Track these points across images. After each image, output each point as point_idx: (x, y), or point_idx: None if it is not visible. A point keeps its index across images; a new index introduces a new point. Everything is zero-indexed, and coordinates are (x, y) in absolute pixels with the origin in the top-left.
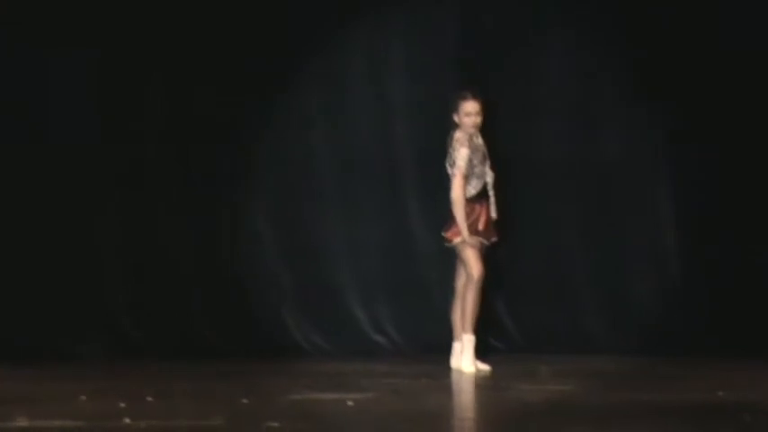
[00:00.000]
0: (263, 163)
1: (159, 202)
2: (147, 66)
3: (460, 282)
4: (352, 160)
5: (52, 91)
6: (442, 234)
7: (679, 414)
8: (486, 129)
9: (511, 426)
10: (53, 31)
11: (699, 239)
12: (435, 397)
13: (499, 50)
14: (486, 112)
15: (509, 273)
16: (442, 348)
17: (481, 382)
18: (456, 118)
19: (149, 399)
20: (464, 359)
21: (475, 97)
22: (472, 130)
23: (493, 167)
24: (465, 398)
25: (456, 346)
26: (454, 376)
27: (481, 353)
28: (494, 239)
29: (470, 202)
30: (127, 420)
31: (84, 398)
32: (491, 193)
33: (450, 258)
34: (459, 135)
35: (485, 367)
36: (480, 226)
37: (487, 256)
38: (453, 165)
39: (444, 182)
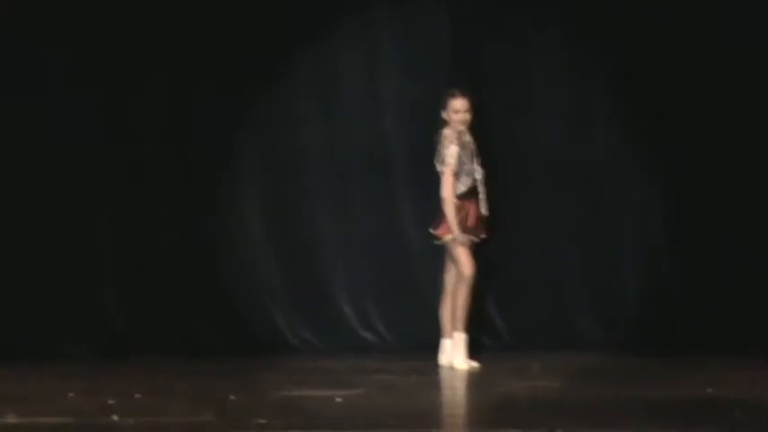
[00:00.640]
0: (254, 161)
1: (153, 201)
2: (147, 66)
3: (450, 279)
4: (344, 159)
5: (52, 91)
6: (431, 231)
7: (668, 411)
8: (477, 127)
9: (500, 422)
10: (53, 31)
11: (689, 237)
12: (424, 393)
13: (493, 49)
14: (476, 109)
15: (498, 270)
16: (431, 345)
17: (471, 379)
18: (445, 115)
19: (138, 396)
20: (456, 356)
21: (464, 95)
22: (461, 128)
23: (482, 164)
24: (454, 394)
25: (445, 342)
26: (443, 373)
27: (471, 350)
28: (483, 236)
29: (460, 199)
30: (115, 417)
31: (72, 395)
32: (481, 189)
33: (439, 255)
34: (447, 132)
35: (474, 364)
36: (470, 223)
37: (476, 252)
38: (442, 162)
39: (434, 180)
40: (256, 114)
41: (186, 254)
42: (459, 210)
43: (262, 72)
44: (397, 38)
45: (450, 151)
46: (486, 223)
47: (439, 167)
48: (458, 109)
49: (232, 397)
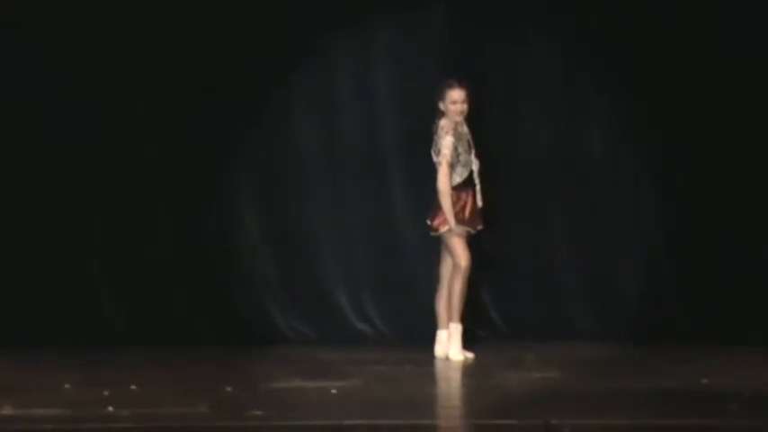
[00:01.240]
0: (248, 154)
1: (153, 201)
2: (147, 66)
3: (445, 270)
4: (339, 153)
5: (52, 91)
6: (428, 223)
7: (663, 402)
8: (471, 120)
9: (496, 413)
10: (53, 31)
11: (689, 236)
12: (420, 384)
13: (491, 49)
14: (473, 106)
15: (494, 262)
16: (427, 336)
17: (466, 370)
18: (442, 106)
19: (133, 387)
20: (452, 347)
21: (461, 85)
22: (458, 118)
23: (478, 156)
24: (450, 385)
25: (441, 334)
26: (439, 364)
27: (466, 341)
28: (479, 227)
29: (456, 190)
30: (110, 408)
31: (68, 386)
32: (477, 181)
33: (434, 247)
34: (444, 123)
35: (470, 355)
36: (466, 214)
37: (472, 244)
38: (439, 153)
39: (429, 172)
40: (254, 113)
41: (183, 247)
42: (455, 201)
43: (261, 72)
44: (393, 35)
45: (446, 142)
46: (481, 215)
47: (435, 158)
48: (455, 99)
49: (228, 388)
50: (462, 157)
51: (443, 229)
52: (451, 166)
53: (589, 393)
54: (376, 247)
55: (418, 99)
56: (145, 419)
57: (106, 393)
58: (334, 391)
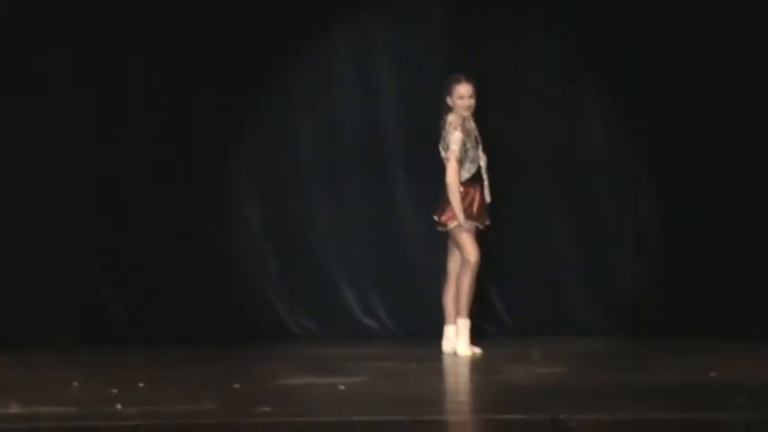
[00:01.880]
0: (250, 148)
1: (153, 201)
2: (147, 66)
3: (453, 265)
4: (343, 148)
5: (52, 91)
6: (435, 218)
7: (671, 396)
8: (476, 114)
9: (503, 408)
10: (53, 31)
11: (689, 237)
12: (428, 380)
13: (491, 49)
14: (480, 95)
15: (500, 257)
16: (433, 332)
17: (473, 366)
18: (449, 101)
19: (141, 385)
20: (459, 342)
21: (468, 80)
22: (466, 113)
23: (485, 151)
24: (457, 381)
25: (448, 329)
26: (445, 359)
27: (473, 336)
28: (487, 223)
29: (464, 185)
30: (119, 406)
31: (76, 384)
32: (485, 176)
33: (440, 242)
34: (452, 119)
35: (477, 350)
36: (474, 209)
37: (480, 240)
38: (447, 149)
39: (433, 166)
40: (254, 113)
41: (187, 245)
42: (463, 196)
43: (261, 71)
44: (394, 29)
45: (455, 138)
46: (488, 210)
47: (443, 154)
48: (462, 94)
49: (236, 385)
50: (470, 153)
51: (452, 224)
52: (460, 162)
53: (596, 388)
54: (382, 242)
55: (419, 98)
56: (153, 417)
57: (114, 391)
58: (341, 387)
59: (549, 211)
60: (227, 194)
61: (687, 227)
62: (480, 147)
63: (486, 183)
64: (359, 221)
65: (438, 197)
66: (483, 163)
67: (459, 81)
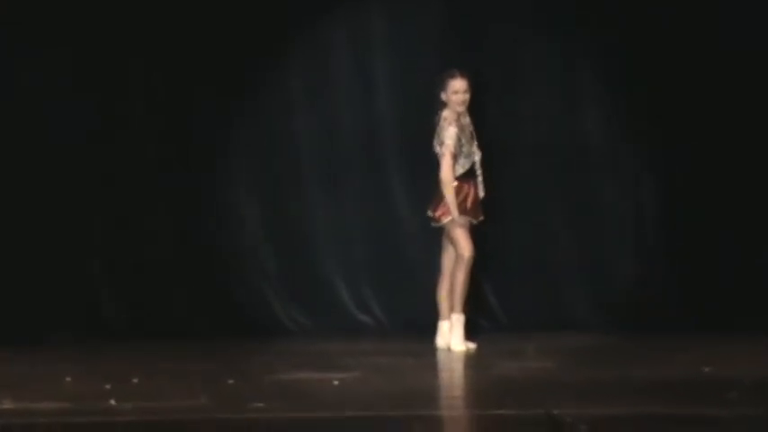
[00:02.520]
0: (246, 145)
1: (144, 195)
2: (147, 66)
3: (447, 261)
4: (338, 144)
5: (52, 91)
6: (429, 214)
7: (665, 391)
8: (471, 108)
9: (498, 403)
10: (53, 31)
11: (689, 236)
12: (422, 375)
13: (491, 49)
14: (474, 90)
15: (493, 252)
16: (428, 327)
17: (467, 361)
18: (444, 96)
19: (135, 380)
20: (454, 338)
21: (463, 75)
22: (460, 108)
23: (480, 146)
24: (451, 376)
25: (442, 324)
26: (439, 355)
27: (467, 331)
28: (481, 218)
29: (458, 180)
30: (113, 402)
31: (69, 379)
32: (479, 171)
33: (434, 237)
34: (446, 114)
35: (471, 345)
36: (468, 205)
37: (474, 235)
38: (442, 144)
39: (428, 162)
40: (254, 113)
41: (186, 245)
42: (457, 192)
43: (260, 70)
44: (392, 29)
45: (449, 133)
46: (481, 206)
47: (438, 149)
48: (457, 90)
49: (230, 381)
50: (465, 148)
51: (446, 219)
52: (454, 157)
53: (590, 383)
54: (376, 238)
55: (417, 93)
56: (147, 412)
57: (108, 387)
58: (336, 382)
59: (547, 209)
60: (226, 194)
61: (687, 227)
62: (475, 142)
63: (480, 178)
64: (355, 219)
65: (433, 194)
66: (477, 158)
67: (453, 76)
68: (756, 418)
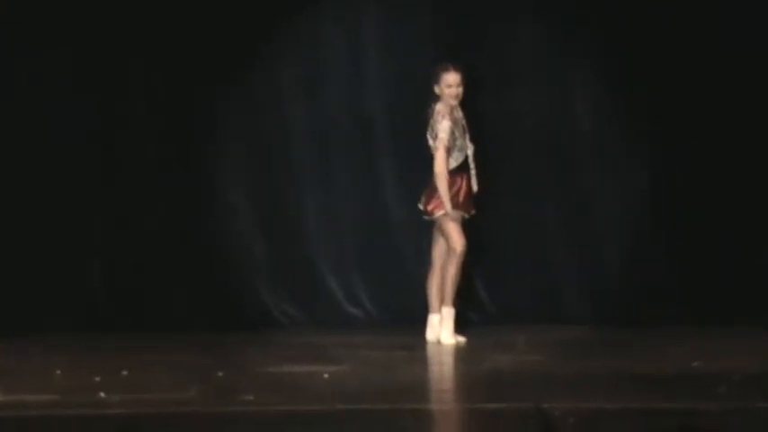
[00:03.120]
0: (237, 136)
1: (144, 195)
2: (147, 66)
3: (438, 254)
4: (327, 133)
5: (52, 91)
6: (420, 207)
7: (654, 384)
8: (470, 104)
9: (487, 396)
10: (53, 31)
11: (689, 237)
12: (411, 369)
13: (491, 48)
14: (468, 84)
15: (483, 244)
16: (418, 320)
17: (457, 354)
18: (437, 90)
19: (124, 372)
20: (443, 331)
21: (456, 69)
22: (454, 102)
23: (473, 140)
24: (441, 369)
25: (432, 318)
26: (430, 348)
27: (457, 325)
28: (473, 212)
29: (451, 174)
30: (102, 394)
31: (58, 372)
32: (472, 165)
33: (425, 230)
34: (440, 107)
35: (461, 339)
36: (461, 198)
37: (467, 228)
38: (435, 137)
39: (419, 154)
40: (233, 88)
41: (183, 247)
42: (450, 185)
43: (260, 70)
44: (379, 12)
45: (444, 126)
46: (474, 200)
47: (431, 143)
48: (450, 83)
49: (220, 373)
50: (458, 142)
51: (439, 213)
52: (448, 151)
53: (580, 377)
54: (367, 231)
55: (409, 84)
56: (136, 405)
57: (97, 379)
58: (326, 375)
59: (544, 211)
60: (226, 194)
61: (687, 227)
62: (468, 136)
63: (473, 172)
64: (346, 211)
65: (424, 186)
66: (470, 152)
67: (446, 69)
68: (746, 412)
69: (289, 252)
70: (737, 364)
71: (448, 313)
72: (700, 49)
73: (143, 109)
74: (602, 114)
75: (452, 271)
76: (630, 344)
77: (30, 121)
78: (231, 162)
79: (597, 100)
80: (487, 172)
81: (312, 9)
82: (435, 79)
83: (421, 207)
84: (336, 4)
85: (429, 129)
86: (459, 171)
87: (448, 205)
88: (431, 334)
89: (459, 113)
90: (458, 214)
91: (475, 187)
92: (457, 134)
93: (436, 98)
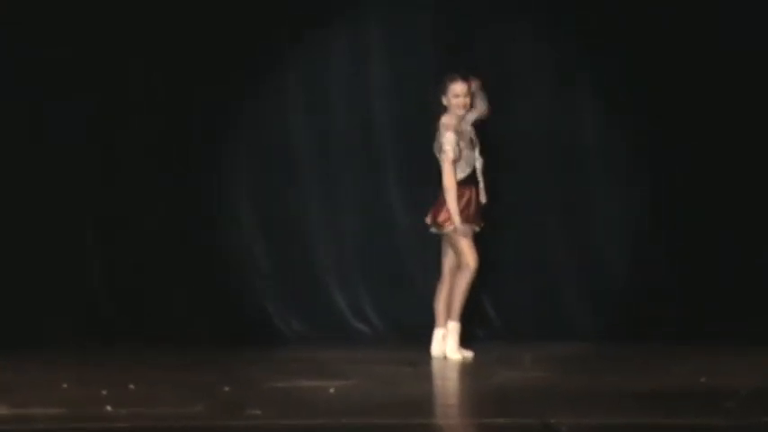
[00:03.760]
0: (242, 146)
1: (144, 195)
2: (147, 66)
3: (447, 267)
4: (334, 149)
5: (52, 91)
6: (428, 220)
7: (661, 400)
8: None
9: (493, 412)
10: (53, 31)
11: (689, 237)
12: (417, 384)
13: (490, 47)
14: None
15: (490, 259)
16: (424, 335)
17: (463, 369)
18: (444, 100)
19: (131, 386)
20: (449, 346)
21: (463, 79)
22: (461, 112)
23: (482, 152)
24: (447, 384)
25: (438, 332)
26: (436, 363)
27: (463, 340)
28: (482, 225)
29: (459, 186)
30: (109, 408)
31: (65, 385)
32: (480, 178)
33: (432, 244)
34: (445, 120)
35: (468, 354)
36: (471, 211)
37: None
38: (440, 150)
39: (427, 167)
40: (254, 113)
41: (187, 245)
42: (459, 197)
43: (260, 70)
44: (384, 19)
45: (447, 138)
46: (481, 213)
47: (438, 155)
48: (457, 93)
49: (226, 388)
50: (465, 153)
51: (449, 228)
52: (454, 163)
53: (586, 392)
54: (373, 245)
55: (415, 96)
56: (143, 419)
57: (104, 392)
58: (332, 390)
59: (545, 213)
60: (226, 195)
61: (687, 227)
62: (477, 148)
63: (481, 185)
64: (352, 224)
65: (432, 199)
66: (479, 165)
67: (453, 80)
68: (753, 428)
69: (295, 266)
70: (745, 379)
71: (453, 328)
72: (700, 49)
73: (143, 109)
74: (601, 115)
75: (463, 286)
76: (636, 359)
77: (30, 121)
78: (241, 171)
79: (597, 100)
80: (494, 183)
81: (312, 9)
82: (443, 90)
83: (428, 221)
84: (337, 4)
85: (435, 141)
86: (467, 183)
87: (456, 219)
88: (437, 349)
89: (466, 126)
90: (469, 229)
91: (483, 199)
92: (462, 145)
93: (444, 109)
